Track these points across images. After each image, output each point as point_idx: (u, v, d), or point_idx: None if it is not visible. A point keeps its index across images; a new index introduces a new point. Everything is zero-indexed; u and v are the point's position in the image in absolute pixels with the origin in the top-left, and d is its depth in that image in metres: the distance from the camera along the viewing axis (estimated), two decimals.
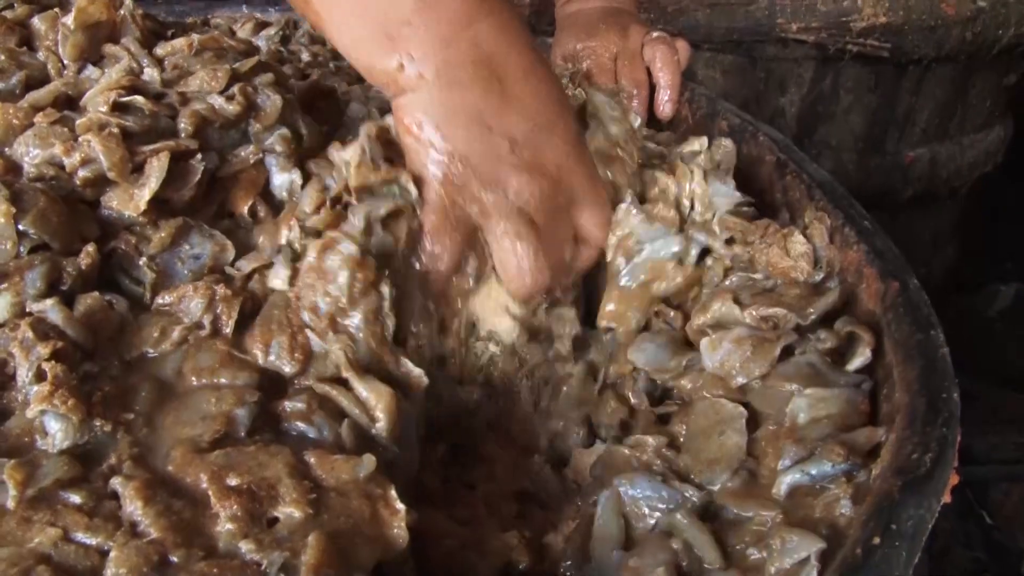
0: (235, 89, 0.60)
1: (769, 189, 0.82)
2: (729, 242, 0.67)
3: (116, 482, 0.41)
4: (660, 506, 0.51)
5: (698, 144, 0.76)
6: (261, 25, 1.00)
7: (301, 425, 0.47)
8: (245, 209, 0.59)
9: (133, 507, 0.40)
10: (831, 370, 0.56)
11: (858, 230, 0.66)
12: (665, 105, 0.92)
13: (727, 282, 0.65)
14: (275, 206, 0.61)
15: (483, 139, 0.53)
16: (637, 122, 0.88)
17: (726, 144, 0.79)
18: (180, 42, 0.65)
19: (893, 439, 0.48)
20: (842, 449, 0.48)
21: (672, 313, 0.66)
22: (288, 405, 0.48)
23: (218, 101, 0.59)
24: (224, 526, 0.40)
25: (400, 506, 0.43)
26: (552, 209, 0.57)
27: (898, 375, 0.54)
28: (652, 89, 0.94)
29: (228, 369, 0.48)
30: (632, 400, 0.62)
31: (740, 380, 0.57)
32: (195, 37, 0.66)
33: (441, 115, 0.52)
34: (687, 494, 0.51)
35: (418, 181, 0.53)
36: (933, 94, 1.45)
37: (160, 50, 0.65)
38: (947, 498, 0.43)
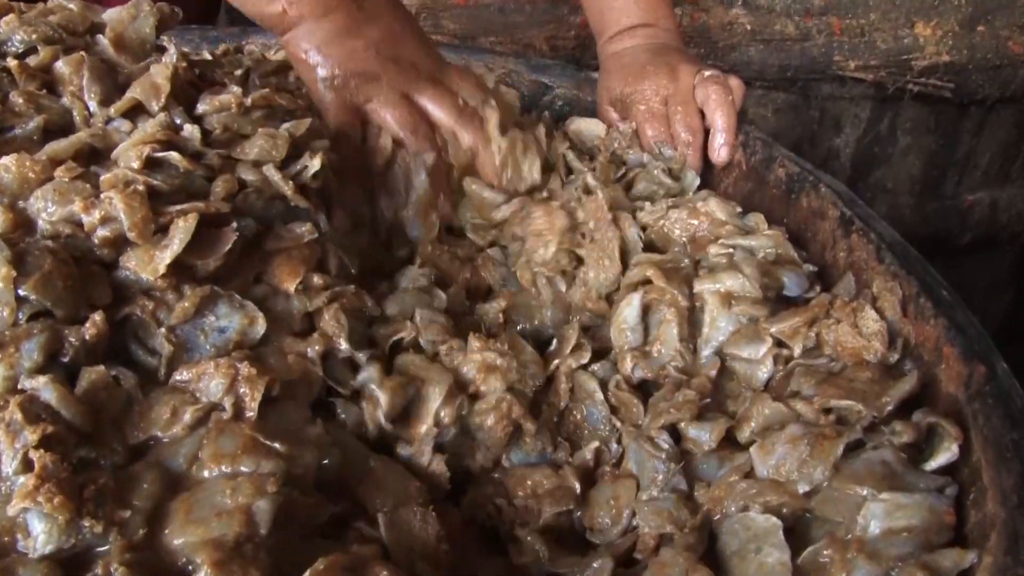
0: (308, 178, 0.59)
1: (831, 247, 0.76)
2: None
3: None
4: None
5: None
6: None
7: None
8: (292, 287, 0.54)
9: None
10: (908, 470, 0.50)
11: (936, 301, 0.60)
12: (720, 149, 0.87)
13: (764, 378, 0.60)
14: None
15: (354, 50, 0.72)
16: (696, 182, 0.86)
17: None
18: (227, 99, 0.61)
19: (990, 565, 0.42)
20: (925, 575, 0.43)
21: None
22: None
23: (284, 188, 0.57)
24: None
25: None
26: (415, 83, 0.75)
27: (989, 480, 0.48)
28: (706, 132, 0.89)
29: (251, 456, 0.43)
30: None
31: (803, 488, 0.50)
32: (245, 96, 0.61)
33: (321, 40, 0.71)
34: None
35: (315, 91, 0.72)
36: (995, 136, 1.38)
37: (205, 105, 0.61)
38: None
